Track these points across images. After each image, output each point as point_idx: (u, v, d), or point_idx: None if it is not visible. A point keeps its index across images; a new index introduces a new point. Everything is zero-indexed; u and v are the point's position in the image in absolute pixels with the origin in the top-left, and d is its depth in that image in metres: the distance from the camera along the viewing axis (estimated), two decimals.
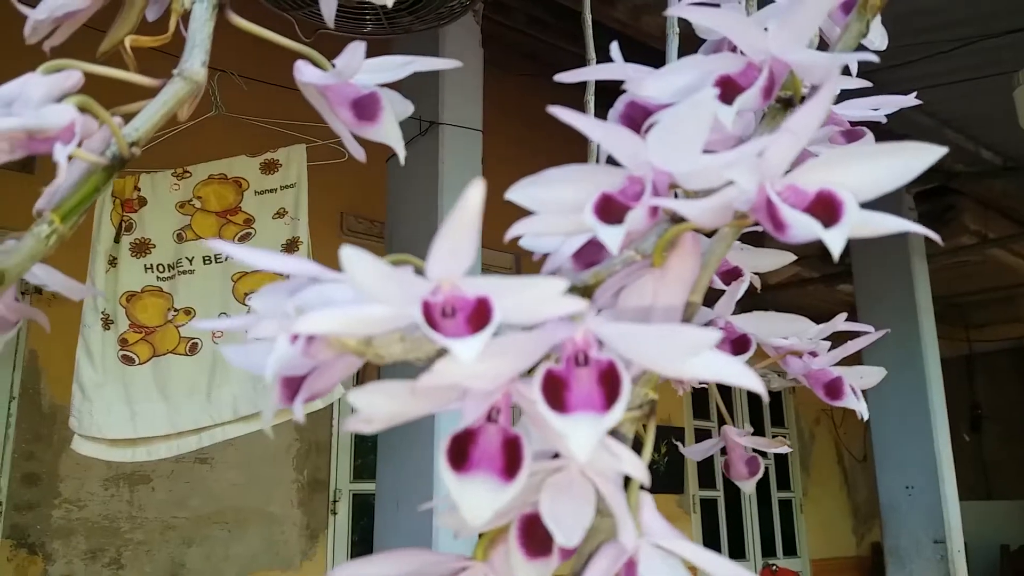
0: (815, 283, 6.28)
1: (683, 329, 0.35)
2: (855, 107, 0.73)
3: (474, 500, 0.37)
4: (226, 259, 2.69)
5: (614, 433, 0.46)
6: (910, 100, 0.70)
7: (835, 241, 0.37)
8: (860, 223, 0.39)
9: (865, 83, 0.74)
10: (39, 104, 0.47)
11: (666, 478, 5.52)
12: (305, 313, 0.37)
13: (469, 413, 0.38)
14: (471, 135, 3.16)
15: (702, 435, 5.87)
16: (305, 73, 0.56)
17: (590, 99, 0.93)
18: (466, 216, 0.35)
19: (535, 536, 0.42)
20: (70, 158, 0.48)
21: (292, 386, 0.44)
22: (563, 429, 0.36)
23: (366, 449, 4.17)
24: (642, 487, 0.45)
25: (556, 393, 0.37)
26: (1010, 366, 8.35)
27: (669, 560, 0.40)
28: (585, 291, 0.46)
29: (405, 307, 0.36)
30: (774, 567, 6.35)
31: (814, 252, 5.19)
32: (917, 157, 0.39)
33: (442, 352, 0.38)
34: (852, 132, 0.74)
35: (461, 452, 0.38)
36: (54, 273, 0.55)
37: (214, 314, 2.63)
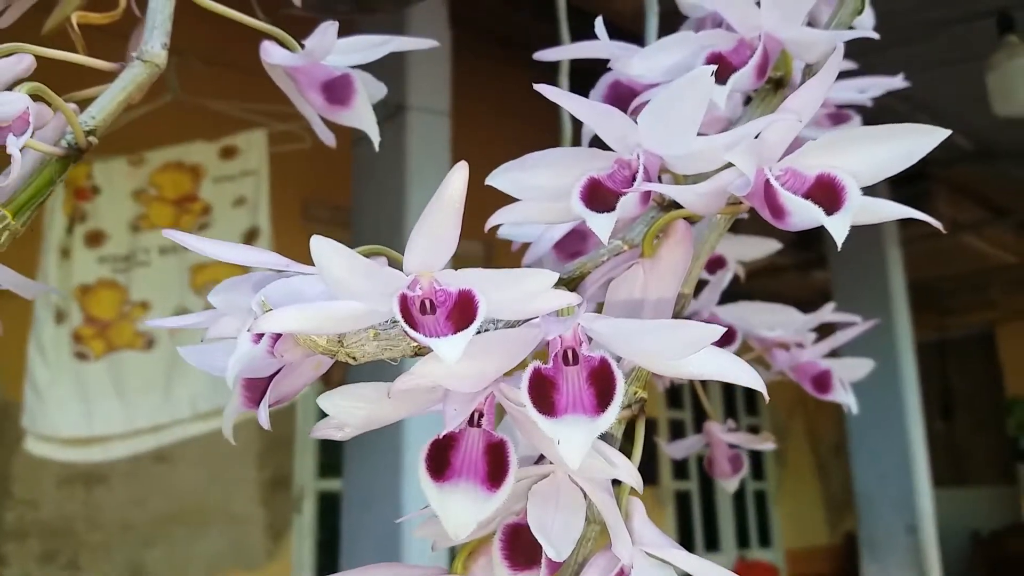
0: (789, 271, 6.31)
1: (684, 325, 0.32)
2: (841, 89, 0.71)
3: (457, 511, 0.34)
4: (183, 249, 2.62)
5: (603, 435, 0.43)
6: (898, 82, 0.68)
7: (839, 228, 0.34)
8: (864, 209, 0.37)
9: (850, 64, 0.72)
10: None
11: (640, 470, 5.46)
12: (270, 310, 0.34)
13: (451, 418, 0.35)
14: (439, 120, 3.11)
15: (676, 426, 5.88)
16: (273, 54, 0.53)
17: (564, 81, 0.90)
18: (448, 203, 0.32)
19: (520, 547, 0.39)
20: (23, 149, 0.45)
21: (255, 388, 0.41)
22: (554, 433, 0.33)
23: (333, 446, 4.13)
24: (633, 491, 0.42)
25: (544, 394, 0.34)
26: (981, 352, 8.49)
27: (661, 569, 0.38)
28: (569, 283, 0.43)
29: (381, 303, 0.33)
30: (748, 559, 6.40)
31: (788, 239, 5.20)
32: (920, 139, 0.37)
33: (420, 351, 0.35)
34: (838, 115, 0.72)
35: (441, 459, 0.35)
36: (5, 271, 0.51)
37: (171, 307, 2.56)
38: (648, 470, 5.84)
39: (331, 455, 4.19)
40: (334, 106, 0.51)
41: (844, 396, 0.67)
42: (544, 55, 0.50)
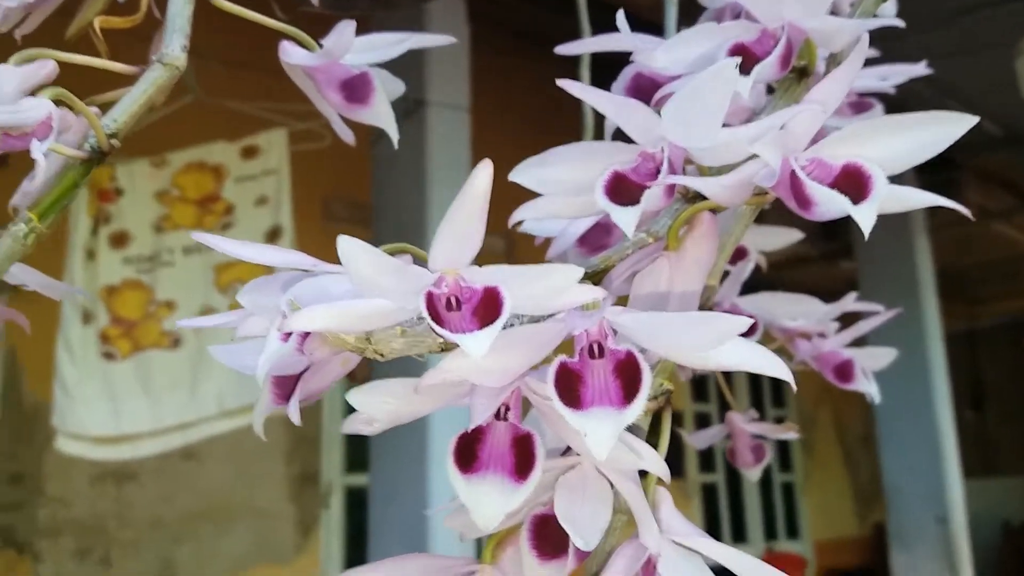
0: (815, 261, 6.25)
1: (712, 317, 0.32)
2: (863, 77, 0.70)
3: (485, 503, 0.34)
4: (208, 248, 2.64)
5: (629, 426, 0.43)
6: (920, 69, 0.68)
7: (866, 217, 0.34)
8: (892, 198, 0.37)
9: (872, 52, 0.71)
10: (12, 97, 0.44)
11: (667, 463, 5.42)
12: (299, 309, 0.34)
13: (478, 411, 0.35)
14: (459, 115, 3.10)
15: (702, 418, 5.84)
16: (291, 54, 0.53)
17: (585, 74, 0.89)
18: (473, 201, 0.32)
19: (548, 537, 0.40)
20: (47, 153, 0.45)
21: (284, 386, 0.41)
22: (580, 426, 0.33)
23: (359, 442, 4.14)
24: (660, 481, 0.42)
25: (570, 388, 0.35)
26: (1012, 341, 8.37)
27: (690, 558, 0.38)
28: (594, 277, 0.43)
29: (407, 300, 0.33)
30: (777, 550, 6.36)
31: (813, 229, 5.17)
32: (948, 127, 0.37)
33: (446, 347, 0.35)
34: (860, 103, 0.71)
35: (469, 452, 0.36)
36: (32, 272, 0.52)
37: (196, 306, 2.58)
38: (674, 463, 5.82)
39: (358, 450, 4.20)
40: (353, 104, 0.51)
41: (867, 385, 0.67)
42: (565, 49, 0.50)
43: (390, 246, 0.40)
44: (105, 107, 0.50)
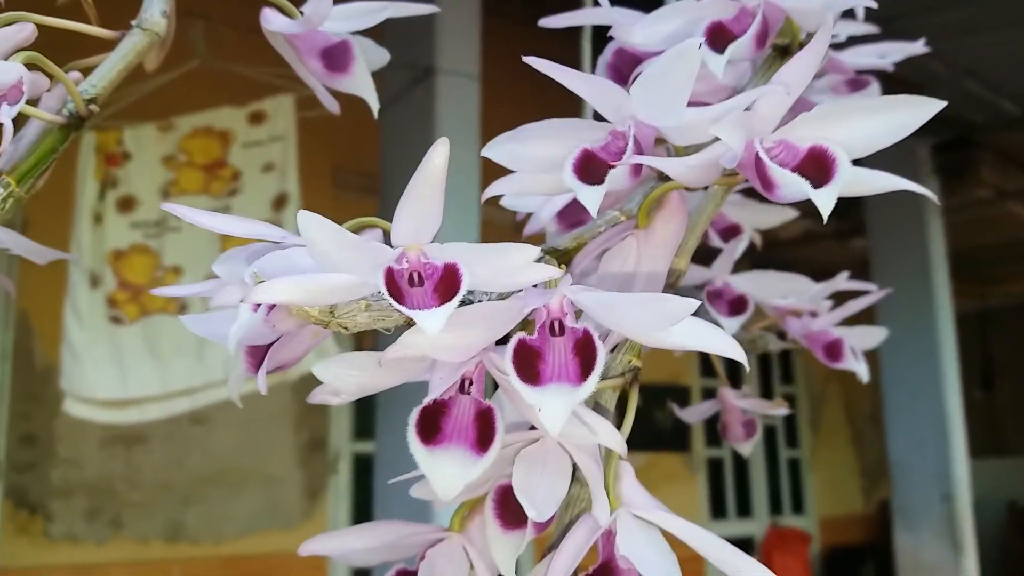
0: (827, 239, 6.20)
1: (662, 298, 0.32)
2: (861, 55, 0.70)
3: (445, 474, 0.35)
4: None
5: (595, 402, 0.44)
6: (918, 47, 0.67)
7: (825, 201, 0.34)
8: (857, 181, 0.37)
9: (871, 28, 0.70)
10: None
11: (671, 437, 5.48)
12: (263, 281, 0.34)
13: (436, 386, 0.35)
14: (468, 83, 3.08)
15: (710, 394, 5.79)
16: (272, 21, 0.53)
17: (586, 43, 0.89)
18: (430, 178, 0.33)
19: (511, 508, 0.40)
20: (27, 118, 0.45)
21: (258, 355, 0.42)
22: (535, 401, 0.34)
23: (368, 409, 4.17)
24: (630, 452, 0.42)
25: (529, 364, 0.35)
26: None
27: (648, 531, 0.38)
28: (565, 254, 0.43)
29: (370, 275, 0.34)
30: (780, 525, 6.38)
31: None
32: (914, 112, 0.36)
33: (411, 322, 0.35)
34: (857, 81, 0.70)
35: (432, 424, 0.37)
36: (18, 238, 0.52)
37: (203, 271, 2.58)
38: (680, 437, 5.86)
39: (366, 417, 4.23)
40: (333, 73, 0.51)
41: (856, 364, 0.67)
42: (548, 22, 0.50)
43: (356, 221, 0.41)
44: (88, 72, 0.51)
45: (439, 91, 3.04)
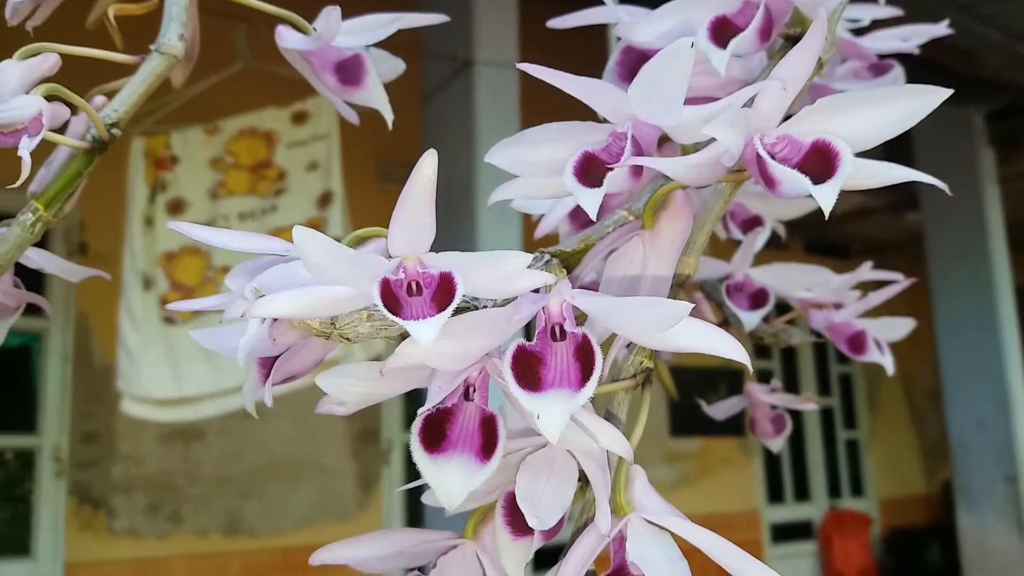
0: (880, 213, 6.06)
1: (658, 302, 0.32)
2: (882, 39, 0.68)
3: (449, 482, 0.35)
4: (262, 214, 2.69)
5: (609, 403, 0.44)
6: (941, 29, 0.65)
7: (826, 197, 0.33)
8: (864, 174, 0.36)
9: (895, 11, 0.69)
10: (15, 91, 0.46)
11: (726, 421, 5.38)
12: (263, 295, 0.35)
13: (434, 394, 0.36)
14: (507, 73, 3.08)
15: (765, 378, 5.72)
16: (286, 38, 0.54)
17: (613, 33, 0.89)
18: (420, 190, 0.33)
19: (520, 515, 0.41)
20: (54, 145, 0.47)
21: (271, 366, 0.42)
22: (533, 408, 0.34)
23: (418, 399, 4.19)
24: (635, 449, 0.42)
25: (530, 369, 0.35)
26: None
27: (659, 536, 0.38)
28: (574, 256, 0.43)
29: (367, 287, 0.34)
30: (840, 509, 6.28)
31: None
32: (920, 101, 0.36)
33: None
34: (879, 66, 0.69)
35: (436, 431, 0.37)
36: (50, 257, 0.54)
37: None
38: (735, 421, 5.80)
39: (416, 408, 4.27)
40: (347, 87, 0.51)
41: (879, 357, 0.66)
42: (556, 23, 0.50)
43: (361, 231, 0.41)
44: (112, 95, 0.52)
45: (478, 82, 3.04)
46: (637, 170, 0.38)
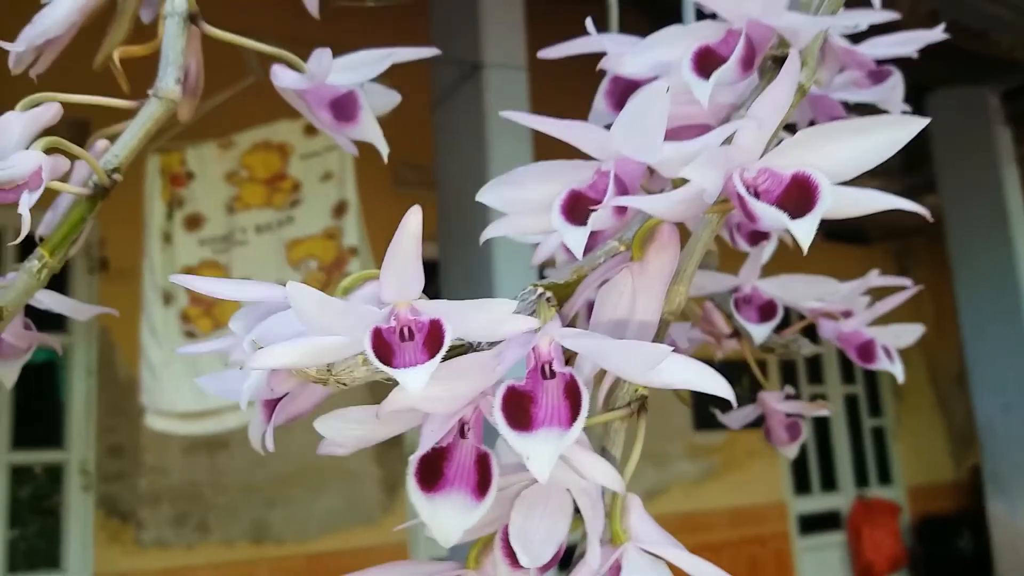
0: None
1: (640, 346, 0.33)
2: (880, 45, 0.68)
3: (445, 521, 0.36)
4: (278, 226, 2.71)
5: (605, 432, 0.44)
6: (937, 35, 0.65)
7: (803, 232, 0.34)
8: (846, 203, 0.37)
9: (891, 15, 0.69)
10: (18, 144, 0.47)
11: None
12: (260, 347, 0.36)
13: (427, 437, 0.37)
14: (516, 75, 3.08)
15: (788, 366, 5.72)
16: (281, 78, 0.55)
17: (614, 22, 0.90)
18: (407, 241, 0.34)
19: None
20: (56, 192, 0.48)
21: (274, 407, 0.44)
22: (522, 449, 0.35)
23: None
24: None
25: (520, 409, 0.36)
26: None
27: (655, 565, 0.39)
28: (566, 287, 0.44)
29: (359, 335, 0.35)
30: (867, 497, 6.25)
31: (896, 164, 4.95)
32: (898, 132, 0.36)
33: None
34: (878, 72, 0.69)
35: (432, 470, 0.38)
36: (59, 298, 0.56)
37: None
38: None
39: None
40: (341, 123, 0.53)
41: (889, 365, 0.66)
42: (544, 54, 0.51)
43: (361, 273, 0.42)
44: (115, 137, 0.53)
45: (487, 85, 3.05)
46: (622, 207, 0.39)
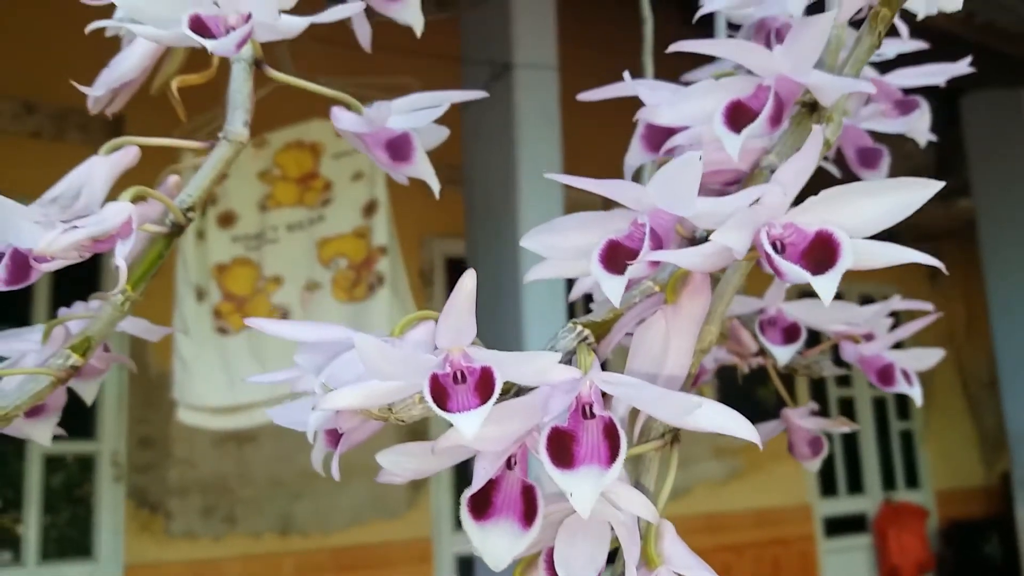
0: (931, 201, 5.91)
1: (673, 396, 0.36)
2: (907, 76, 0.70)
3: (495, 547, 0.40)
4: (309, 224, 2.75)
5: (639, 463, 0.47)
6: (963, 68, 0.67)
7: (825, 289, 0.37)
8: (867, 256, 0.39)
9: (921, 45, 0.71)
10: (103, 187, 0.50)
11: (775, 414, 5.32)
12: (330, 390, 0.40)
13: (480, 475, 0.40)
14: (547, 75, 3.10)
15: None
16: (341, 120, 0.58)
17: (648, 60, 0.92)
18: (462, 300, 0.38)
19: None
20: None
21: (335, 434, 0.47)
22: (565, 486, 0.38)
23: None
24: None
25: (563, 447, 0.39)
26: None
27: None
28: (603, 326, 0.46)
29: (417, 379, 0.38)
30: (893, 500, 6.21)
31: (930, 166, 4.90)
32: (915, 193, 0.39)
33: None
34: (905, 103, 0.71)
35: (483, 501, 0.41)
36: (135, 321, 0.59)
37: (301, 280, 2.70)
38: None
39: None
40: (397, 163, 0.56)
41: (907, 388, 0.68)
42: (583, 97, 0.53)
43: (419, 313, 0.45)
44: (181, 172, 0.57)
45: (518, 84, 3.07)
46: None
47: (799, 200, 0.40)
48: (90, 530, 3.42)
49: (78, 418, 3.43)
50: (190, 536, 3.53)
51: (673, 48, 0.45)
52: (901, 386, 0.68)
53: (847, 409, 6.10)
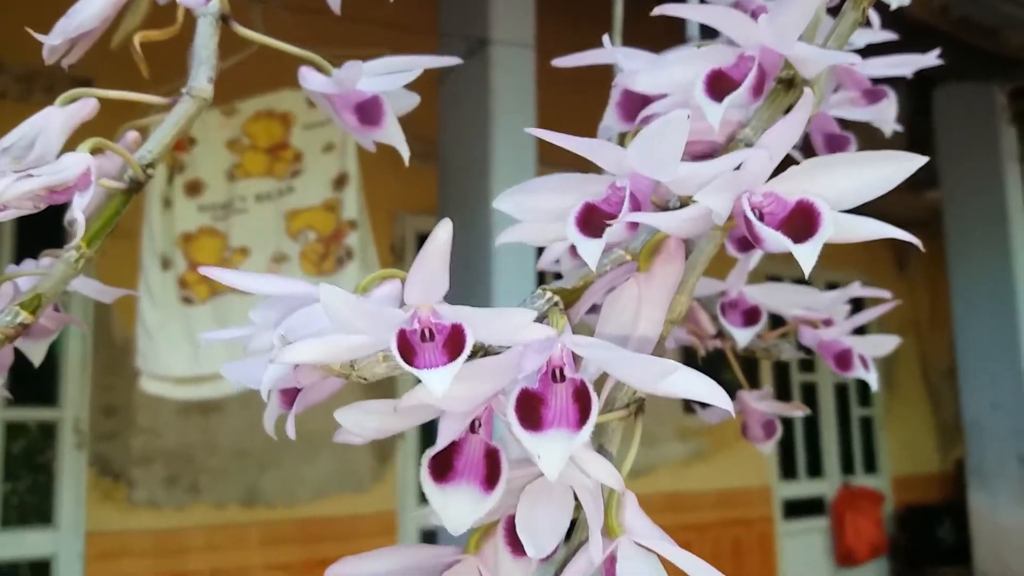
0: (900, 190, 5.97)
1: (648, 360, 0.35)
2: (876, 66, 0.70)
3: (455, 511, 0.39)
4: (278, 195, 2.72)
5: (602, 432, 0.47)
6: (932, 60, 0.68)
7: (806, 257, 0.36)
8: (846, 229, 0.39)
9: (890, 35, 0.71)
10: (59, 138, 0.48)
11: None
12: (290, 343, 0.38)
13: (445, 434, 0.39)
14: (523, 52, 3.08)
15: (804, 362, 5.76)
16: (309, 80, 0.57)
17: (617, 38, 0.91)
18: (436, 251, 0.36)
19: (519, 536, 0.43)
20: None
21: (289, 395, 0.46)
22: (534, 448, 0.37)
23: None
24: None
25: (532, 410, 0.38)
26: None
27: (648, 558, 0.41)
28: (573, 293, 0.46)
29: (384, 335, 0.37)
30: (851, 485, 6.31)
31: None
32: (898, 166, 0.38)
33: None
34: (873, 92, 0.71)
35: (444, 463, 0.40)
36: (87, 282, 0.58)
37: (269, 252, 2.67)
38: None
39: None
40: (366, 126, 0.54)
41: (864, 374, 0.69)
42: (559, 62, 0.52)
43: (381, 272, 0.44)
44: (143, 129, 0.55)
45: (493, 61, 3.05)
46: (635, 222, 0.41)
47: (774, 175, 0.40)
48: (51, 498, 3.38)
49: (40, 384, 3.38)
50: (153, 505, 3.50)
51: (657, 11, 0.44)
52: (858, 371, 0.69)
53: (809, 394, 6.18)
